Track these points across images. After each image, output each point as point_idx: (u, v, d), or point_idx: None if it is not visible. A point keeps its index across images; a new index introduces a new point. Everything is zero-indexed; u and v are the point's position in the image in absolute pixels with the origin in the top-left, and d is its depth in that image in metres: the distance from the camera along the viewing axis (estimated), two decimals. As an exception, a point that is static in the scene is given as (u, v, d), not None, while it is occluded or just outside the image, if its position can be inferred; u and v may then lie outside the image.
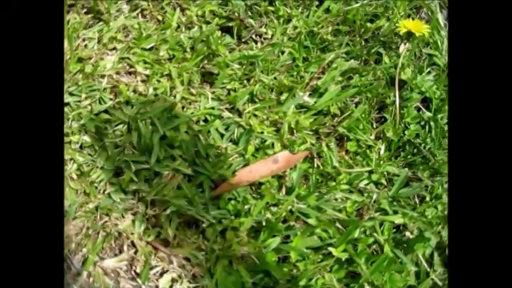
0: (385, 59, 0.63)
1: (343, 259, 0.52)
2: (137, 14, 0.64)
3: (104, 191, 0.53)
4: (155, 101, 0.58)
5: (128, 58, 0.61)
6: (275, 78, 0.60)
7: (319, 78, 0.61)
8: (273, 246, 0.52)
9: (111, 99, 0.58)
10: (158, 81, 0.60)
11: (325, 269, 0.52)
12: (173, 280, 0.52)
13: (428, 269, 0.55)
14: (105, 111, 0.57)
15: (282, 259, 0.53)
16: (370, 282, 0.52)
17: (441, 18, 0.69)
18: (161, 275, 0.52)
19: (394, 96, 0.60)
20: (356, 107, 0.59)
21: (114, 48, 0.62)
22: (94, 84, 0.58)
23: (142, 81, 0.60)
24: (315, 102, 0.59)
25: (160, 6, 0.65)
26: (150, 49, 0.62)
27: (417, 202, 0.58)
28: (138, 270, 0.51)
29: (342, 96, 0.59)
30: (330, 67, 0.62)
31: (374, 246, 0.54)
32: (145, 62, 0.61)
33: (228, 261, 0.52)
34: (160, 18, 0.64)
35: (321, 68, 0.61)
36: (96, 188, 0.53)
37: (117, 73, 0.60)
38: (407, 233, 0.56)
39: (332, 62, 0.62)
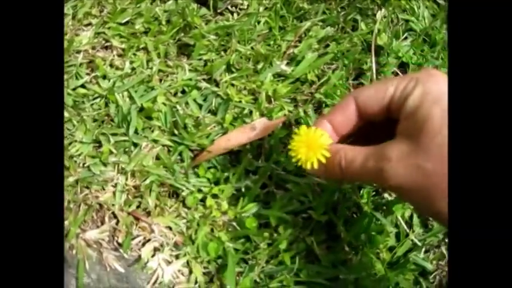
0: (362, 25, 0.63)
1: (323, 222, 0.53)
2: (112, -11, 0.64)
3: (84, 164, 0.54)
4: (132, 74, 0.58)
5: (104, 33, 0.60)
6: (252, 47, 0.60)
7: (295, 46, 0.61)
8: (252, 212, 0.52)
9: (87, 74, 0.58)
10: (134, 54, 0.60)
11: (305, 232, 0.53)
12: (155, 249, 0.52)
13: (408, 230, 0.55)
14: (82, 86, 0.57)
15: (262, 225, 0.53)
16: (350, 244, 0.53)
17: (417, -16, 0.68)
18: (143, 244, 0.52)
19: (371, 61, 0.60)
20: (333, 73, 0.60)
21: (89, 24, 0.61)
22: (70, 60, 0.58)
23: (119, 55, 0.60)
24: (292, 70, 0.59)
25: (134, -20, 0.65)
26: (126, 23, 0.61)
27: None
28: (120, 241, 0.52)
29: (318, 63, 0.60)
30: (306, 35, 0.62)
31: (354, 209, 0.55)
32: (121, 36, 0.60)
33: (209, 228, 0.53)
34: (135, -8, 0.64)
35: (297, 36, 0.61)
36: (76, 161, 0.54)
37: (93, 48, 0.60)
38: (386, 195, 0.56)
39: (308, 30, 0.62)
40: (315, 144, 0.42)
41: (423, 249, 0.56)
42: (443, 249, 0.57)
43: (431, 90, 0.37)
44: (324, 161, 0.41)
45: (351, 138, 0.44)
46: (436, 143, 0.35)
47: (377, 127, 0.43)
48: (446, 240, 0.57)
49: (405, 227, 0.55)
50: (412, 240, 0.55)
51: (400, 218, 0.55)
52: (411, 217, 0.57)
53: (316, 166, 0.42)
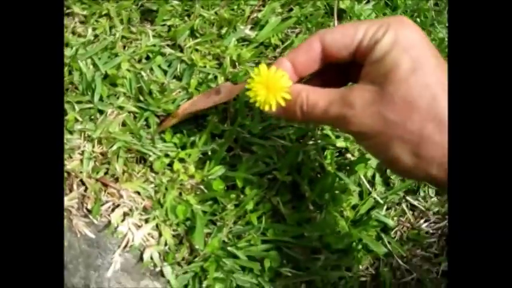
0: (325, -11, 0.63)
1: (288, 182, 0.54)
2: (71, -46, 0.62)
3: (49, 132, 0.53)
4: (95, 42, 0.58)
5: (64, -1, 0.59)
6: (215, 12, 0.60)
7: (259, 10, 0.61)
8: (219, 175, 0.54)
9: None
10: (97, 21, 0.59)
11: (270, 192, 0.54)
12: (124, 214, 0.53)
13: (370, 189, 0.58)
14: (44, 53, 0.56)
15: (229, 187, 0.54)
16: (315, 203, 0.55)
17: None
18: (112, 210, 0.53)
19: (334, 25, 0.61)
20: (296, 37, 0.60)
21: (49, -10, 0.60)
22: (30, 27, 0.57)
23: (81, 22, 0.59)
24: (256, 35, 0.60)
25: None
26: (87, -11, 0.60)
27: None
28: (89, 207, 0.53)
29: (282, 26, 0.60)
30: (270, -1, 0.62)
31: (318, 169, 0.57)
32: (82, 3, 0.59)
33: (177, 192, 0.54)
34: (95, -43, 0.62)
35: (261, 0, 0.61)
36: (41, 130, 0.53)
37: (54, 15, 0.59)
38: (349, 156, 0.58)
39: (272, -6, 0.62)
40: (274, 86, 0.40)
41: (385, 207, 0.58)
42: (404, 206, 0.60)
43: (402, 37, 0.36)
44: (283, 104, 0.41)
45: (309, 77, 0.44)
46: (401, 92, 0.35)
47: (338, 68, 0.43)
48: (407, 198, 0.60)
49: (367, 185, 0.57)
50: (374, 198, 0.57)
51: (362, 177, 0.57)
52: (373, 176, 0.59)
53: (274, 108, 0.41)
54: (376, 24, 0.38)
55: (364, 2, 0.64)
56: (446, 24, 0.66)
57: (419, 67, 0.35)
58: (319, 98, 0.39)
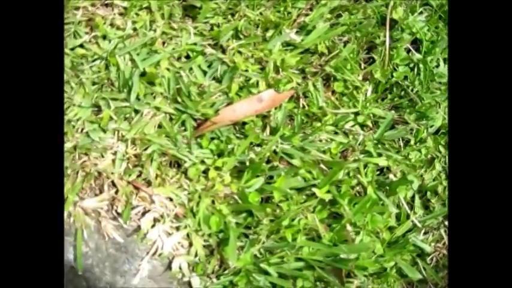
0: (377, -4, 0.60)
1: (327, 200, 0.52)
2: None
3: (82, 129, 0.52)
4: (134, 36, 0.55)
5: (101, -8, 0.57)
6: (261, 13, 0.57)
7: (307, 14, 0.58)
8: (256, 187, 0.51)
9: (86, 33, 0.55)
10: (137, 14, 0.56)
11: (308, 209, 0.52)
12: (155, 220, 0.51)
13: (409, 211, 0.55)
14: (81, 45, 0.54)
15: (265, 199, 0.53)
16: (352, 223, 0.53)
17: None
18: (143, 214, 0.51)
19: (384, 36, 0.58)
20: (344, 46, 0.58)
21: (89, -22, 0.58)
22: (68, 17, 0.55)
23: (120, 14, 0.57)
24: (302, 40, 0.57)
25: None
26: (128, -21, 0.58)
27: (401, 145, 0.58)
28: (119, 210, 0.51)
29: (330, 34, 0.57)
30: (318, 3, 0.59)
31: (357, 188, 0.55)
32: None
33: (210, 201, 0.52)
34: None
35: (309, 4, 0.58)
36: (74, 126, 0.51)
37: (93, 5, 0.56)
38: (391, 176, 0.56)
39: (321, -3, 0.59)
40: None
41: (422, 231, 0.56)
42: (442, 231, 0.57)
43: None
44: None
45: None
46: None
47: None
48: (446, 223, 0.57)
49: (407, 208, 0.55)
50: (412, 222, 0.55)
51: (402, 199, 0.55)
52: (413, 198, 0.57)
53: None
54: None
55: (418, 12, 0.61)
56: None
57: None
58: None
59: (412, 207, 0.56)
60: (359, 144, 0.54)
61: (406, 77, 0.57)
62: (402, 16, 0.59)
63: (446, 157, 0.58)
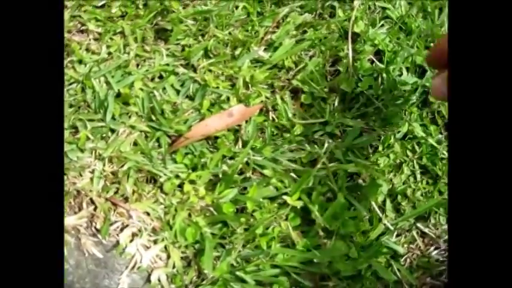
0: (339, 12, 0.63)
1: (298, 207, 0.54)
2: (87, -29, 0.63)
3: (60, 150, 0.53)
4: (109, 59, 0.58)
5: (79, 16, 0.59)
6: (230, 33, 0.60)
7: (273, 32, 0.61)
8: (229, 198, 0.53)
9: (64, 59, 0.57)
10: (111, 38, 0.59)
11: (281, 217, 0.54)
12: (133, 234, 0.53)
13: (381, 215, 0.57)
14: (58, 70, 0.56)
15: (239, 210, 0.54)
16: (324, 228, 0.54)
17: (395, -29, 0.69)
18: (121, 230, 0.53)
19: (348, 49, 0.61)
20: (310, 60, 0.60)
21: (65, 6, 0.60)
22: (45, 43, 0.57)
23: (95, 39, 0.59)
24: (270, 56, 0.60)
25: (111, -38, 0.64)
26: (102, 6, 0.60)
27: (370, 151, 0.60)
28: (98, 226, 0.52)
29: (296, 49, 0.60)
30: (284, 21, 0.62)
31: (328, 195, 0.56)
32: (97, 20, 0.60)
33: (186, 213, 0.53)
34: (111, -26, 0.63)
35: (275, 22, 0.61)
36: (52, 147, 0.53)
37: (69, 32, 0.59)
38: (360, 181, 0.58)
39: (286, 16, 0.62)
40: None
41: (395, 234, 0.58)
42: (414, 233, 0.59)
43: None
44: None
45: None
46: None
47: None
48: (418, 225, 0.59)
49: (378, 212, 0.57)
50: (384, 225, 0.57)
51: (373, 203, 0.57)
52: (384, 202, 0.58)
53: None
54: None
55: (379, 25, 0.63)
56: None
57: None
58: None
59: (383, 211, 0.58)
60: (328, 153, 0.56)
61: (370, 87, 0.60)
62: (364, 29, 0.62)
63: (414, 161, 0.61)
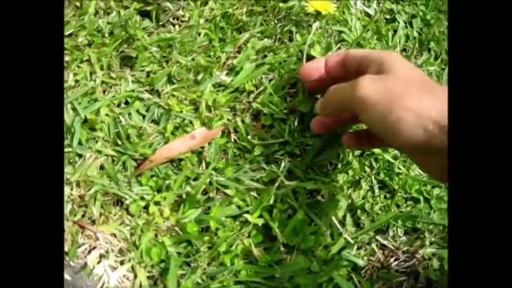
0: (297, 36, 0.66)
1: (260, 224, 0.56)
2: (55, 1, 0.65)
3: (28, 175, 0.55)
4: (76, 86, 0.60)
5: (47, 45, 0.62)
6: (192, 59, 0.63)
7: (235, 57, 0.64)
8: (193, 217, 0.55)
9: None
10: (78, 67, 0.61)
11: (243, 235, 0.56)
12: (101, 256, 0.54)
13: (341, 229, 0.60)
14: (26, 98, 0.58)
15: (203, 229, 0.56)
16: (286, 244, 0.57)
17: (351, -5, 0.72)
18: (89, 251, 0.54)
19: (306, 71, 0.63)
20: (270, 83, 0.63)
21: (33, 36, 0.62)
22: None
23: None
24: (231, 81, 0.62)
25: (78, -7, 0.66)
26: (69, 35, 0.63)
27: (330, 169, 0.62)
28: (66, 249, 0.54)
29: (256, 73, 0.63)
30: (245, 46, 0.65)
31: (289, 211, 0.59)
32: (64, 49, 0.62)
33: (152, 234, 0.55)
34: (78, 4, 0.65)
35: (236, 47, 0.64)
36: (20, 173, 0.55)
37: (37, 61, 0.61)
38: (320, 197, 0.60)
39: (247, 41, 0.65)
40: None
41: (355, 247, 0.60)
42: (374, 245, 0.62)
43: (394, 56, 0.49)
44: None
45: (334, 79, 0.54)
46: (399, 73, 0.45)
47: None
48: (377, 237, 0.62)
49: (338, 226, 0.59)
50: (345, 239, 0.59)
51: (333, 218, 0.59)
52: (344, 217, 0.61)
53: None
54: (378, 51, 0.52)
55: (335, 48, 0.67)
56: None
57: (408, 70, 0.46)
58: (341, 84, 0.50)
59: (344, 225, 0.61)
60: (287, 171, 0.59)
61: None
62: (320, 52, 0.65)
63: (372, 177, 0.63)
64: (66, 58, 0.61)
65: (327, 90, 0.52)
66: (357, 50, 0.53)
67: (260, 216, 0.56)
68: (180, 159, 0.58)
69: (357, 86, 0.45)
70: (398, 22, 0.72)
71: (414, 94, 0.42)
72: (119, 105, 0.60)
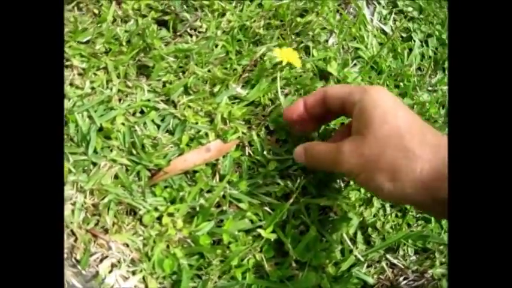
0: (314, 52, 0.67)
1: (272, 240, 0.56)
2: (73, 7, 0.65)
3: (42, 182, 0.55)
4: (92, 94, 0.60)
5: (64, 52, 0.62)
6: (209, 70, 0.63)
7: (251, 70, 0.64)
8: (206, 230, 0.55)
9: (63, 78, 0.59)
10: (95, 74, 0.61)
11: (255, 249, 0.56)
12: (112, 265, 0.54)
13: (352, 247, 0.60)
14: (42, 104, 0.58)
15: (216, 242, 0.56)
16: (297, 260, 0.57)
17: (367, 13, 0.73)
18: (101, 260, 0.54)
19: (320, 86, 0.64)
20: (285, 97, 0.63)
21: (50, 42, 0.63)
22: (30, 78, 0.59)
23: (79, 74, 0.61)
24: (247, 94, 0.63)
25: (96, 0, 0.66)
26: (87, 42, 0.63)
27: (342, 186, 0.62)
28: (78, 257, 0.54)
29: (272, 87, 0.63)
30: (261, 60, 0.65)
31: (301, 227, 0.59)
32: (81, 56, 0.62)
33: (165, 245, 0.55)
34: (96, 11, 0.65)
35: (253, 60, 0.64)
36: (35, 179, 0.55)
37: (54, 67, 0.61)
38: (332, 214, 0.60)
39: (264, 55, 0.65)
40: None
41: (365, 265, 0.60)
42: (384, 264, 0.62)
43: (375, 98, 0.48)
44: None
45: (317, 118, 0.57)
46: (377, 137, 0.46)
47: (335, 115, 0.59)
48: (387, 256, 0.62)
49: (349, 243, 0.59)
50: (355, 256, 0.59)
51: (345, 235, 0.60)
52: (355, 234, 0.61)
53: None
54: (358, 90, 0.51)
55: (351, 65, 0.67)
56: (429, 88, 0.70)
57: (388, 118, 0.47)
58: (324, 148, 0.53)
59: (354, 243, 0.61)
60: (301, 187, 0.59)
61: (342, 123, 0.63)
62: (337, 68, 0.65)
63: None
64: (83, 65, 0.61)
65: (310, 145, 0.56)
66: (334, 88, 0.54)
67: (273, 231, 0.56)
68: (195, 171, 0.58)
69: (339, 160, 0.49)
70: (414, 41, 0.73)
71: (389, 156, 0.45)
72: (134, 114, 0.60)
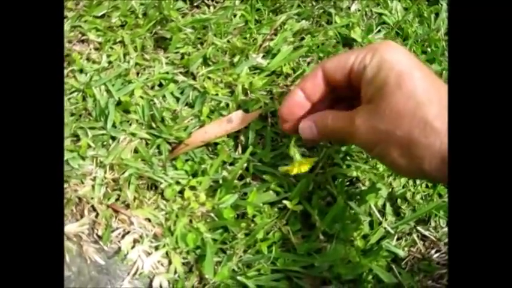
0: (336, 18, 0.64)
1: (298, 212, 0.54)
2: (87, -18, 0.64)
3: (62, 158, 0.54)
4: (109, 68, 0.59)
5: (80, 26, 0.60)
6: (228, 41, 0.61)
7: (271, 39, 0.62)
8: (230, 203, 0.54)
9: (64, 68, 0.58)
10: (111, 48, 0.60)
11: (281, 222, 0.54)
12: (135, 240, 0.53)
13: (381, 219, 0.57)
14: (59, 79, 0.57)
15: (240, 215, 0.55)
16: (325, 232, 0.55)
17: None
18: (123, 236, 0.53)
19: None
20: (308, 66, 0.61)
21: (65, 17, 0.61)
22: (46, 54, 0.58)
23: (95, 48, 0.60)
24: (268, 63, 0.60)
25: (110, -27, 0.65)
26: (102, 16, 0.61)
27: (369, 156, 0.60)
28: (99, 233, 0.53)
29: (294, 56, 0.61)
30: (282, 28, 0.63)
31: (328, 199, 0.57)
32: (97, 30, 0.60)
33: (187, 219, 0.54)
34: (111, -15, 0.64)
35: (273, 29, 0.62)
36: (54, 155, 0.54)
37: (69, 42, 0.60)
38: (360, 185, 0.58)
39: (284, 23, 0.63)
40: None
41: (395, 237, 0.58)
42: (415, 236, 0.59)
43: (388, 58, 0.42)
44: None
45: (323, 103, 0.49)
46: (390, 106, 0.41)
47: (344, 95, 0.49)
48: (418, 228, 0.60)
49: (378, 215, 0.57)
50: (385, 228, 0.57)
51: (373, 206, 0.57)
52: (384, 206, 0.59)
53: None
54: (365, 50, 0.44)
55: (375, 31, 0.64)
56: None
57: (403, 81, 0.41)
58: (341, 116, 0.46)
59: (383, 215, 0.58)
60: (327, 157, 0.57)
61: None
62: (360, 35, 0.62)
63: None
64: (100, 39, 0.60)
65: (321, 115, 0.48)
66: (333, 59, 0.47)
67: (299, 203, 0.54)
68: (216, 143, 0.56)
69: (351, 132, 0.44)
70: (441, 4, 0.69)
71: (404, 129, 0.40)
72: (152, 88, 0.59)
